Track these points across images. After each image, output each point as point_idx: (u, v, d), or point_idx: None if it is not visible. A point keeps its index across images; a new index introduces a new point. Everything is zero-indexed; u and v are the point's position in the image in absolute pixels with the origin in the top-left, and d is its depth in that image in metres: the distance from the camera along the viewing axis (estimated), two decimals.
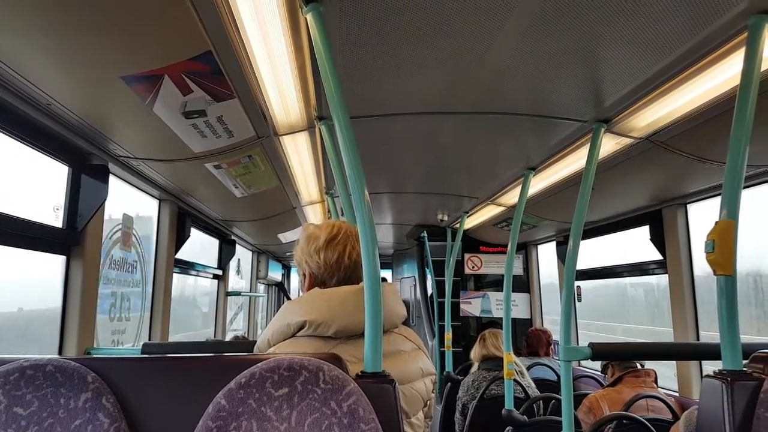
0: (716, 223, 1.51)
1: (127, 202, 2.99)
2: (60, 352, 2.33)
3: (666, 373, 3.52)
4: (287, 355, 1.16)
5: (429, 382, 1.49)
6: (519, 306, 5.74)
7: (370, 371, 1.25)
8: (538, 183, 3.29)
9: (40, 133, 2.05)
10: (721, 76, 1.77)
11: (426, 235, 5.79)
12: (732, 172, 1.50)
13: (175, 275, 3.54)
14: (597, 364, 4.21)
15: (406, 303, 7.62)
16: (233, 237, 5.11)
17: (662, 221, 3.43)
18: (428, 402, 1.49)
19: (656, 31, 1.56)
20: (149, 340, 3.28)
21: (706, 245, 1.50)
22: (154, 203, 3.37)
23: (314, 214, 4.67)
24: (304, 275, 1.55)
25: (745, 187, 1.52)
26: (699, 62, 1.70)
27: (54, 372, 1.19)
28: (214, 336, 4.91)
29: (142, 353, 2.27)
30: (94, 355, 2.09)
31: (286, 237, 5.59)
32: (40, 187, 2.32)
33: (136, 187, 2.98)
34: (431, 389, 1.51)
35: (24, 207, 2.09)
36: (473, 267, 5.97)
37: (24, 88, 1.73)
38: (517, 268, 5.74)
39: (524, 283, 5.84)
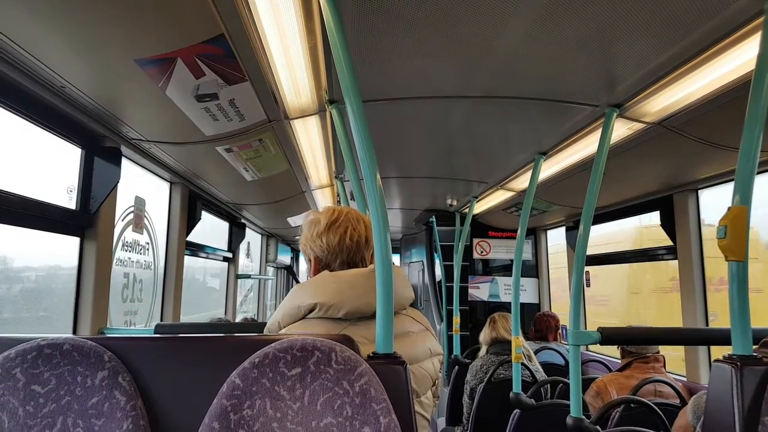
0: (729, 208, 1.50)
1: (140, 185, 3.01)
2: (74, 332, 2.37)
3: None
4: (300, 336, 1.18)
5: (437, 361, 1.52)
6: (527, 291, 5.75)
7: (381, 352, 1.27)
8: (549, 168, 3.28)
9: (54, 115, 2.06)
10: (736, 60, 1.75)
11: (435, 220, 5.79)
12: (745, 158, 1.49)
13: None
14: (605, 349, 4.23)
15: (415, 287, 7.64)
16: (243, 220, 5.13)
17: (673, 207, 3.41)
18: (436, 381, 1.52)
19: (670, 14, 1.54)
20: (161, 321, 3.32)
21: (718, 231, 1.50)
22: (166, 186, 3.40)
23: (324, 199, 4.68)
24: (310, 260, 1.58)
25: (758, 173, 1.52)
26: (713, 46, 1.68)
27: (71, 351, 1.21)
28: (225, 316, 4.96)
29: (155, 333, 2.31)
30: (109, 335, 2.12)
31: (295, 221, 5.61)
32: (54, 169, 2.34)
33: (147, 169, 3.00)
34: (439, 369, 1.54)
35: (38, 188, 2.11)
36: (482, 252, 5.97)
37: (38, 71, 1.74)
38: (526, 253, 5.74)
39: (533, 268, 5.85)
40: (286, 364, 1.14)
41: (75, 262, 2.38)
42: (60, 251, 2.40)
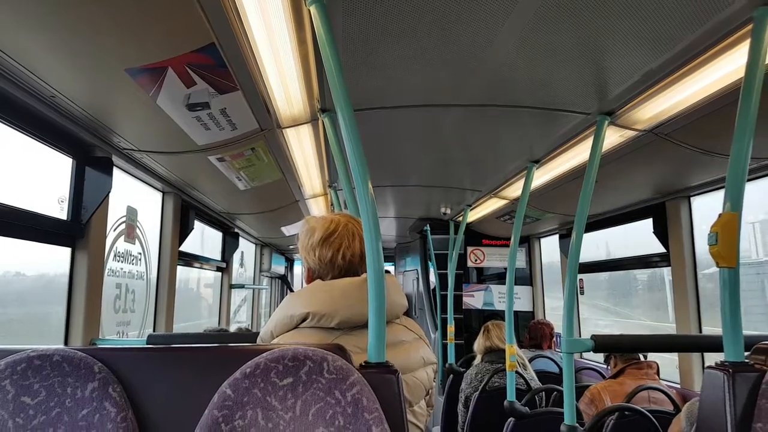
0: (720, 215, 1.51)
1: (131, 195, 3.00)
2: (66, 343, 2.35)
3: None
4: (291, 346, 1.17)
5: (431, 370, 1.51)
6: (521, 299, 5.75)
7: (373, 361, 1.26)
8: (542, 176, 3.29)
9: (45, 125, 2.06)
10: (726, 68, 1.76)
11: (429, 228, 5.79)
12: (736, 165, 1.50)
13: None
14: (599, 356, 4.23)
15: (409, 296, 7.64)
16: (236, 230, 5.12)
17: (665, 214, 3.43)
18: (430, 391, 1.51)
19: (660, 22, 1.55)
20: (154, 331, 3.30)
21: (709, 238, 1.50)
22: (158, 195, 3.38)
23: (317, 207, 4.67)
24: (305, 267, 1.57)
25: (748, 180, 1.52)
26: (703, 54, 1.69)
27: (61, 362, 1.20)
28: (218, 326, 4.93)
29: (147, 344, 2.29)
30: (101, 346, 2.10)
31: (288, 230, 5.59)
32: (45, 179, 2.32)
33: (139, 179, 2.99)
34: (432, 378, 1.53)
35: (29, 199, 2.10)
36: (476, 260, 5.98)
37: (29, 81, 1.73)
38: (520, 261, 5.74)
39: (527, 276, 5.85)
40: (278, 374, 1.13)
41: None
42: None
